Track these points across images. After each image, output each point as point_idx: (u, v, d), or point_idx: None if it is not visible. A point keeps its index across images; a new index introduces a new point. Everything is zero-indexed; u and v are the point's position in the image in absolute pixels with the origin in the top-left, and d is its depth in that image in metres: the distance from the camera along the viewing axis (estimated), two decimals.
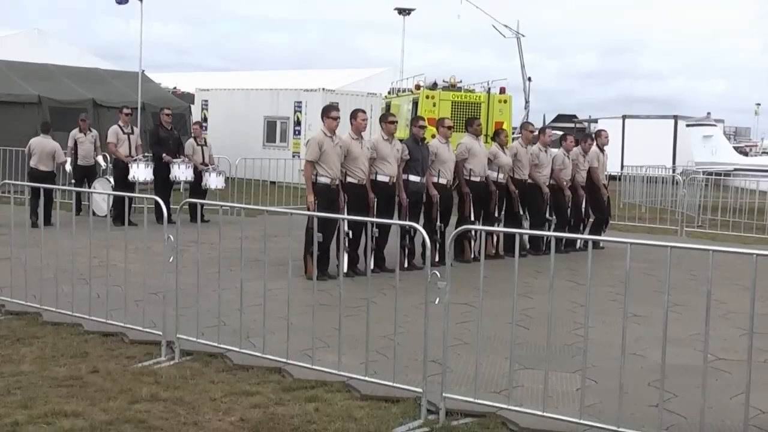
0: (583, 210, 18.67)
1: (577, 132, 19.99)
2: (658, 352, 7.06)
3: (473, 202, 16.16)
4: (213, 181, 21.13)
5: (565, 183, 18.04)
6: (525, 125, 18.97)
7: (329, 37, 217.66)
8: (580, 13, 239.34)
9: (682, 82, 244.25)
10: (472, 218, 15.96)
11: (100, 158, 21.90)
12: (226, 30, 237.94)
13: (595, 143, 18.95)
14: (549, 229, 17.08)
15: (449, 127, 15.92)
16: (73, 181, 21.39)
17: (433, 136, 16.12)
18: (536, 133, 18.80)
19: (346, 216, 12.31)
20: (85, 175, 21.67)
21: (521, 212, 17.13)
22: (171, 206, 14.53)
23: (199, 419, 7.40)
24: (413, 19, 68.22)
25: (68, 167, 21.62)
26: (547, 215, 17.67)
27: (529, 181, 17.42)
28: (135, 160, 20.18)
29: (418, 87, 28.16)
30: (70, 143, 21.82)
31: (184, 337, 9.26)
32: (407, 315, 9.71)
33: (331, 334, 9.10)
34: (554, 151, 18.44)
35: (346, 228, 11.69)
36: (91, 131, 22.11)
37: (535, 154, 17.55)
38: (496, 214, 16.56)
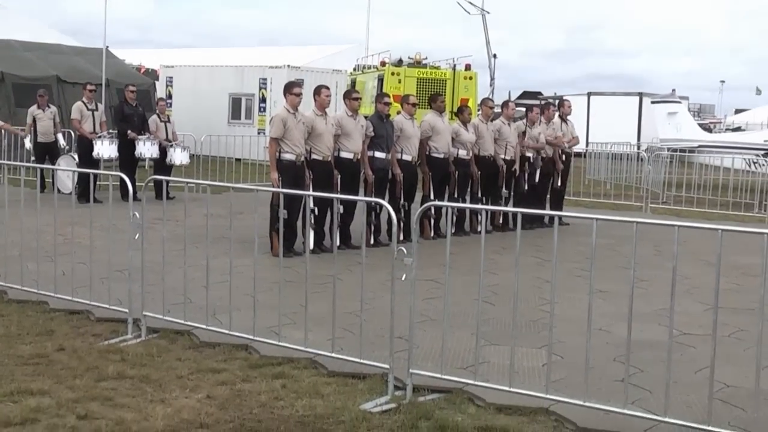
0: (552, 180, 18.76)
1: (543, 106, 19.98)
2: (624, 327, 7.10)
3: (438, 180, 16.18)
4: (178, 156, 21.06)
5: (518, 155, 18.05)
6: (485, 101, 18.86)
7: (295, 14, 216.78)
8: None
9: (647, 59, 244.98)
10: (432, 196, 15.94)
11: (59, 136, 21.74)
12: (191, 7, 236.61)
13: (557, 114, 19.01)
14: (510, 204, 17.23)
15: (414, 104, 15.91)
16: (33, 158, 21.26)
17: (398, 113, 16.09)
18: (495, 108, 18.78)
19: (310, 192, 12.28)
20: (46, 152, 21.52)
21: (479, 192, 17.12)
22: (136, 183, 14.49)
23: (166, 396, 7.39)
24: None
25: (28, 145, 21.48)
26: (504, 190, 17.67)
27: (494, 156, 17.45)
28: (99, 136, 20.04)
29: (383, 64, 28.24)
30: (29, 120, 21.66)
31: (151, 314, 9.24)
32: (373, 291, 9.72)
33: (297, 311, 9.10)
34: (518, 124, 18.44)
35: (311, 205, 11.67)
36: (49, 107, 21.93)
37: (497, 129, 17.54)
38: (456, 194, 16.53)
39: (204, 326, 8.99)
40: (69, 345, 8.79)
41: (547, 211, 17.15)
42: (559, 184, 18.90)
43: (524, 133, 18.04)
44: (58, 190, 11.82)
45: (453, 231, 9.28)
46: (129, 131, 20.38)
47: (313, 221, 12.87)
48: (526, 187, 18.00)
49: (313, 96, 14.33)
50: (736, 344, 9.36)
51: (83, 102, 20.43)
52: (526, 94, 74.18)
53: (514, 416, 7.20)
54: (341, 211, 13.41)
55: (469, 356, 8.23)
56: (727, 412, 7.26)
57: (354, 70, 32.88)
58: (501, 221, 17.38)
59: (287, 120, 13.65)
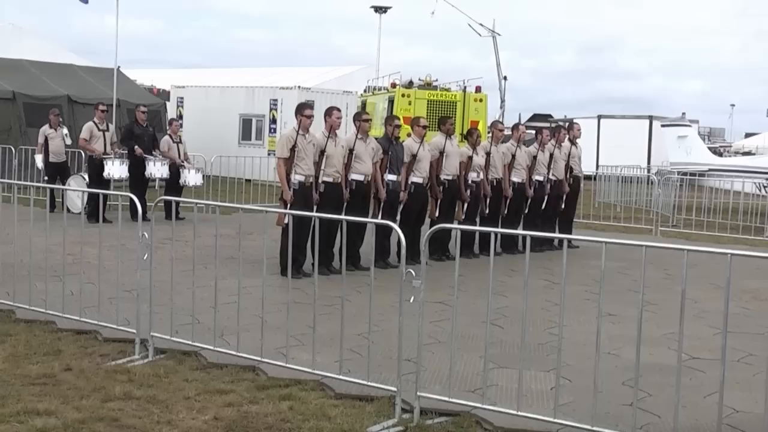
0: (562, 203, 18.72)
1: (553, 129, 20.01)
2: (633, 350, 7.08)
3: (447, 201, 16.16)
4: (192, 178, 21.16)
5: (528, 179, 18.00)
6: (495, 124, 18.86)
7: (305, 35, 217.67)
8: (557, 12, 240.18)
9: (658, 82, 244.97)
10: (436, 216, 15.93)
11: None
12: (203, 26, 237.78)
13: (567, 137, 18.96)
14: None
15: (424, 127, 15.89)
16: (45, 177, 21.31)
17: (409, 135, 16.10)
18: (505, 131, 18.80)
19: (320, 214, 12.27)
20: (57, 172, 21.57)
21: (486, 212, 17.10)
22: (146, 203, 14.49)
23: (173, 418, 7.37)
24: (389, 17, 67.88)
25: (39, 164, 21.54)
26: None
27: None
28: (110, 157, 20.09)
29: (393, 85, 28.17)
30: (41, 140, 21.71)
31: (158, 335, 9.23)
32: (382, 313, 9.71)
33: (305, 333, 9.09)
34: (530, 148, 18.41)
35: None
36: (61, 127, 21.97)
37: (509, 152, 17.54)
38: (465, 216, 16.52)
39: (211, 347, 8.98)
40: (76, 365, 8.78)
41: (557, 234, 17.11)
42: (563, 206, 18.79)
43: (535, 157, 18.02)
44: (68, 210, 11.82)
45: (461, 253, 9.24)
46: (136, 147, 20.37)
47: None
48: (526, 210, 17.96)
49: (324, 117, 14.33)
50: (746, 369, 9.32)
51: (94, 122, 20.47)
52: (536, 117, 74.17)
53: None
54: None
55: (477, 379, 8.20)
56: None
57: (365, 91, 32.81)
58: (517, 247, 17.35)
59: (294, 141, 13.63)
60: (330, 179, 14.09)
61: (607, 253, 7.01)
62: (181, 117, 35.60)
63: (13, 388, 7.99)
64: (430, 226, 12.67)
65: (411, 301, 7.45)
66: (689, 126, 37.97)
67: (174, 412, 7.52)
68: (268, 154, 30.44)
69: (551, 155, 18.29)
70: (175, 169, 21.01)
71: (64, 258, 10.55)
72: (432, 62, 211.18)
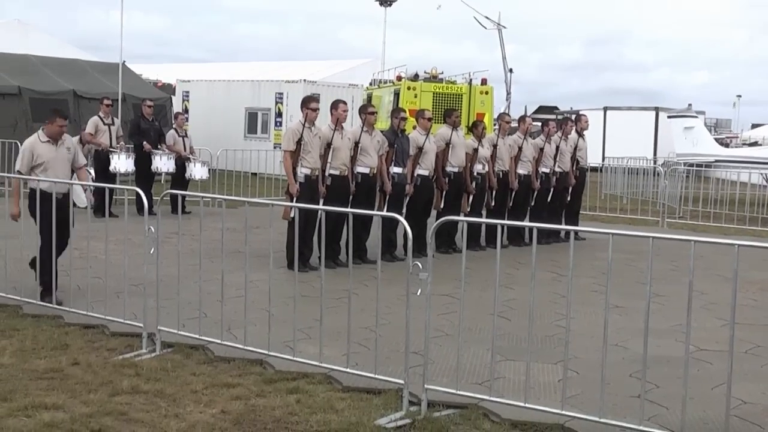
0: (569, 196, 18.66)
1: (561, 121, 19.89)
2: (640, 342, 7.07)
3: (454, 193, 16.13)
4: (198, 171, 21.15)
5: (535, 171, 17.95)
6: (502, 116, 18.83)
7: (311, 29, 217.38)
8: (563, 4, 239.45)
9: (665, 74, 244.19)
10: (441, 208, 15.93)
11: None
12: (208, 21, 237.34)
13: (574, 128, 18.87)
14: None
15: (429, 119, 15.86)
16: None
17: (414, 128, 16.07)
18: (512, 123, 18.77)
19: (326, 207, 12.26)
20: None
21: (492, 204, 17.09)
22: (152, 197, 14.48)
23: (181, 411, 7.38)
24: (395, 10, 67.86)
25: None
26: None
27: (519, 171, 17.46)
28: (116, 150, 20.10)
29: (399, 78, 28.17)
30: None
31: (165, 329, 9.23)
32: (389, 306, 9.70)
33: (312, 326, 9.08)
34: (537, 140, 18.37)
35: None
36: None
37: (516, 144, 17.51)
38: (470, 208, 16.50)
39: (219, 341, 8.98)
40: (83, 359, 8.79)
41: (563, 226, 17.08)
42: (569, 198, 18.74)
43: (542, 149, 17.99)
44: (74, 204, 11.82)
45: (468, 246, 9.21)
46: (144, 142, 20.40)
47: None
48: (532, 203, 17.91)
49: (330, 110, 14.31)
50: (753, 360, 9.31)
51: (100, 117, 20.47)
52: (542, 109, 74.09)
53: None
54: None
55: (485, 372, 8.20)
56: (744, 429, 7.23)
57: (370, 84, 32.81)
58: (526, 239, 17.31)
59: (301, 134, 13.62)
60: (336, 172, 14.08)
61: (614, 245, 6.99)
62: (186, 111, 35.57)
63: (21, 382, 8.01)
64: (437, 219, 12.66)
65: (418, 293, 7.44)
66: (695, 117, 37.85)
67: (181, 405, 7.53)
68: (274, 148, 30.44)
69: (557, 147, 18.24)
70: (180, 163, 21.01)
71: (71, 252, 10.56)
72: (437, 55, 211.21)
